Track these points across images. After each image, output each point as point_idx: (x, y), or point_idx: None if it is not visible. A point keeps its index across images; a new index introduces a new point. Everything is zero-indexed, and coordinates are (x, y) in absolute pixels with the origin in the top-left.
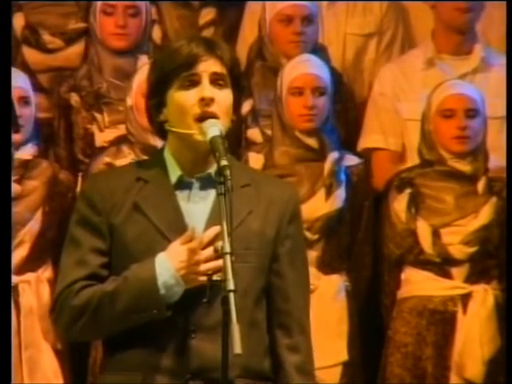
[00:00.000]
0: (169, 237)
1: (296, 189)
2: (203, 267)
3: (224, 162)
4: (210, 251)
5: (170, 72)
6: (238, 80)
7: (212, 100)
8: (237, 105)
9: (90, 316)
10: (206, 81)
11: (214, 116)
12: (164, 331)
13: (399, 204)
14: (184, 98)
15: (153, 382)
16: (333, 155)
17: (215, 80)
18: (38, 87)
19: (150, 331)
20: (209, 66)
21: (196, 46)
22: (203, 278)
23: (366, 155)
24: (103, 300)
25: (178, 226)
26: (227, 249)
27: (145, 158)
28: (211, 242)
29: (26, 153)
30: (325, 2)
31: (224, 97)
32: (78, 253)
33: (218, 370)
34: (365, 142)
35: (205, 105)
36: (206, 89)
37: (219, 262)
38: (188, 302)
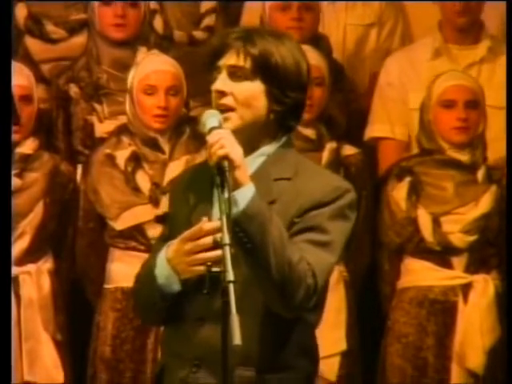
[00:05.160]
0: (193, 224)
1: (348, 187)
2: (197, 257)
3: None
4: (204, 241)
5: (205, 65)
6: (267, 71)
7: (222, 93)
8: (274, 96)
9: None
10: (222, 74)
11: (226, 108)
12: (173, 318)
13: (399, 192)
14: (212, 91)
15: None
16: (330, 145)
17: (233, 73)
18: (39, 78)
19: (162, 319)
20: (226, 59)
21: (225, 39)
22: (200, 268)
23: (373, 144)
24: (133, 287)
25: (202, 214)
26: (226, 240)
27: (145, 149)
28: (210, 233)
29: (26, 148)
30: None
31: (241, 89)
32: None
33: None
34: (372, 131)
35: (217, 98)
36: (217, 82)
37: (214, 252)
38: (195, 290)
